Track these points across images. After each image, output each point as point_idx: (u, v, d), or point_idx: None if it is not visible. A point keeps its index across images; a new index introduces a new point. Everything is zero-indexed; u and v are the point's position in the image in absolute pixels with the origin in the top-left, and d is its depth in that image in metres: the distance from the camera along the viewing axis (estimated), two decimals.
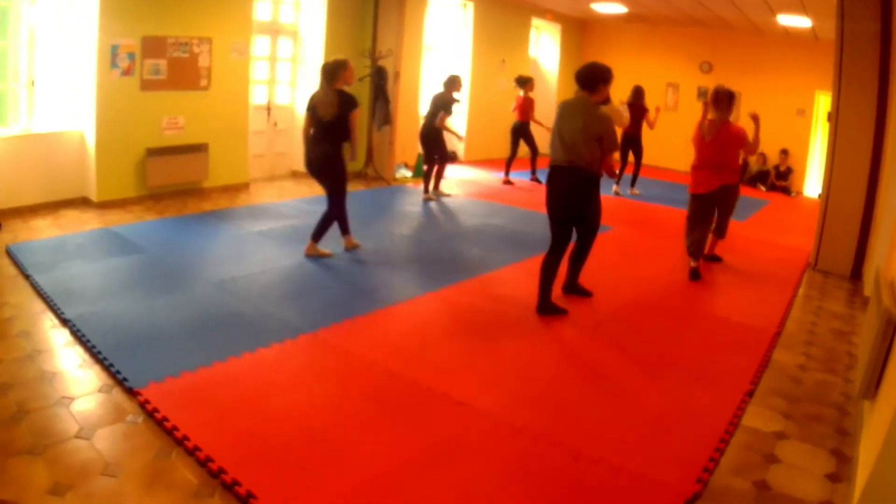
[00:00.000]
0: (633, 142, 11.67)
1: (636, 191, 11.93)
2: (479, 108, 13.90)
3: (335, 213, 6.75)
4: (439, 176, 10.28)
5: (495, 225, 8.72)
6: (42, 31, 7.89)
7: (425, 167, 10.20)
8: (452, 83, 9.92)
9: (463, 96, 13.52)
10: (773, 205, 12.47)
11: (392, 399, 4.01)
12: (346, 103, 6.35)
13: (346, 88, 6.46)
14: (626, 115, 11.04)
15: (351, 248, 7.02)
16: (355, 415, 3.79)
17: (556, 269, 5.57)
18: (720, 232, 7.42)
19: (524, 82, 11.67)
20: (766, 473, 3.49)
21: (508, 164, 12.03)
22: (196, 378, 4.04)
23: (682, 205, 10.83)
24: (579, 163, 5.27)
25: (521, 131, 11.79)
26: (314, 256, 6.74)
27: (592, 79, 5.37)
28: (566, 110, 5.43)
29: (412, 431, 3.67)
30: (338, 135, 6.46)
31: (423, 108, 12.35)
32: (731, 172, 6.91)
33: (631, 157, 11.78)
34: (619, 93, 10.58)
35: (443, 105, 9.82)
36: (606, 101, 7.31)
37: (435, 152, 10.03)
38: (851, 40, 7.47)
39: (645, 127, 11.56)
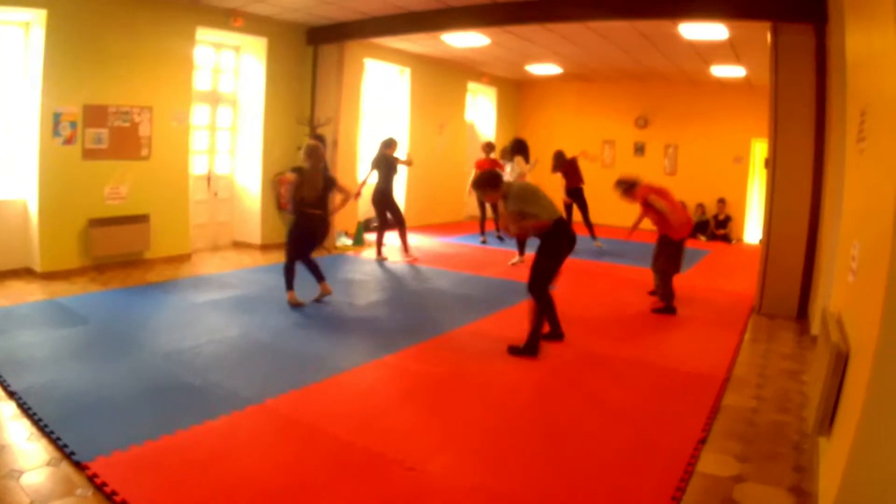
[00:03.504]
0: (575, 196, 11.99)
1: (599, 244, 12.21)
2: (419, 173, 13.94)
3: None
4: (405, 237, 10.75)
5: (439, 289, 8.71)
6: None
7: (376, 233, 10.53)
8: (391, 145, 10.33)
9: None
10: (715, 253, 12.72)
11: (343, 466, 3.91)
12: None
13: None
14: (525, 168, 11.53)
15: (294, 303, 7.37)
16: (306, 484, 3.69)
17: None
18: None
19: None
20: None
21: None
22: (144, 451, 3.92)
23: (622, 258, 11.11)
24: None
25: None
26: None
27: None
28: None
29: (364, 498, 3.57)
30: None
31: (361, 174, 12.43)
32: None
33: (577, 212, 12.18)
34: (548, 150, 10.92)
35: (393, 165, 10.28)
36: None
37: (393, 214, 10.43)
38: (786, 88, 7.72)
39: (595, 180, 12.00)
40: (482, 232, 12.77)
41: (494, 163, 11.76)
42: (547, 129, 16.96)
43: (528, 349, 6.02)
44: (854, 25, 4.17)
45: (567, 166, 12.09)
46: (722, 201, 14.85)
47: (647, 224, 8.08)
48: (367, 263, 10.28)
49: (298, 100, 11.47)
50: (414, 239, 12.66)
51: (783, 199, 7.87)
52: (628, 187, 7.73)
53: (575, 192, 12.12)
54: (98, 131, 8.33)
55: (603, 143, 16.42)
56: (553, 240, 6.01)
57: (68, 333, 6.11)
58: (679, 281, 8.11)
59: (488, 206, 12.26)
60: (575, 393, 5.29)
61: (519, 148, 11.62)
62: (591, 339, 6.68)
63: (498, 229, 12.82)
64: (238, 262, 9.87)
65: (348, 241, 11.79)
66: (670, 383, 5.54)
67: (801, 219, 7.78)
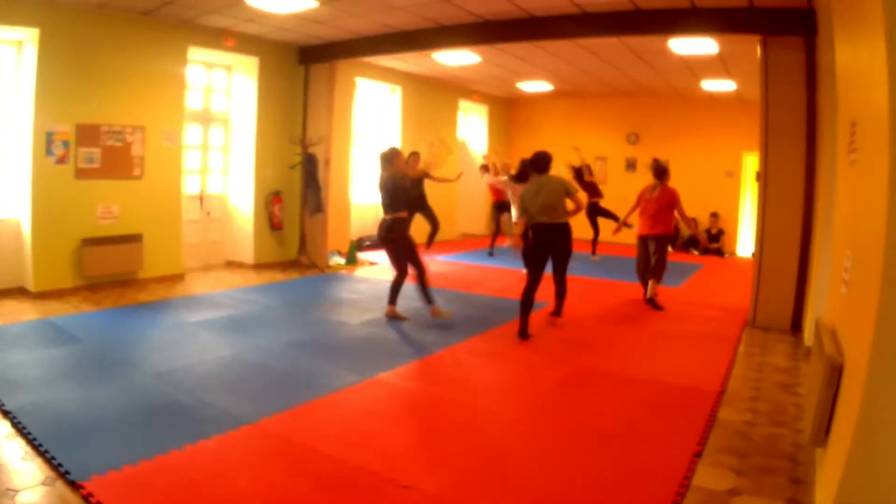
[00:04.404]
0: (596, 210, 12.27)
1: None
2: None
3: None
4: None
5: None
6: None
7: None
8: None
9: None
10: (707, 268, 12.71)
11: (336, 486, 3.88)
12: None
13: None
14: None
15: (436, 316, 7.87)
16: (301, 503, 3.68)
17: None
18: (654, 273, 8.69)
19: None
20: None
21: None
22: (139, 471, 3.89)
23: (613, 275, 11.11)
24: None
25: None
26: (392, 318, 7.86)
27: (546, 163, 7.50)
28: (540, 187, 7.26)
29: None
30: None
31: (353, 194, 12.61)
32: (665, 224, 8.72)
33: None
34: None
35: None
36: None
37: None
38: (777, 102, 7.76)
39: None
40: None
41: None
42: (538, 146, 16.92)
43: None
44: (843, 38, 4.20)
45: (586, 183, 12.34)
46: (715, 215, 14.88)
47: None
48: (359, 282, 10.26)
49: (290, 119, 11.49)
50: None
51: (775, 211, 7.89)
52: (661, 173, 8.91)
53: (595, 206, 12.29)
54: (90, 151, 8.33)
55: (595, 159, 16.40)
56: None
57: (61, 353, 6.10)
58: (672, 295, 8.13)
59: (502, 221, 13.05)
60: (569, 409, 5.26)
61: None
62: (585, 355, 6.67)
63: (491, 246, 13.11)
64: (231, 282, 9.85)
65: (341, 261, 11.76)
66: (665, 398, 5.52)
67: (793, 231, 7.79)
